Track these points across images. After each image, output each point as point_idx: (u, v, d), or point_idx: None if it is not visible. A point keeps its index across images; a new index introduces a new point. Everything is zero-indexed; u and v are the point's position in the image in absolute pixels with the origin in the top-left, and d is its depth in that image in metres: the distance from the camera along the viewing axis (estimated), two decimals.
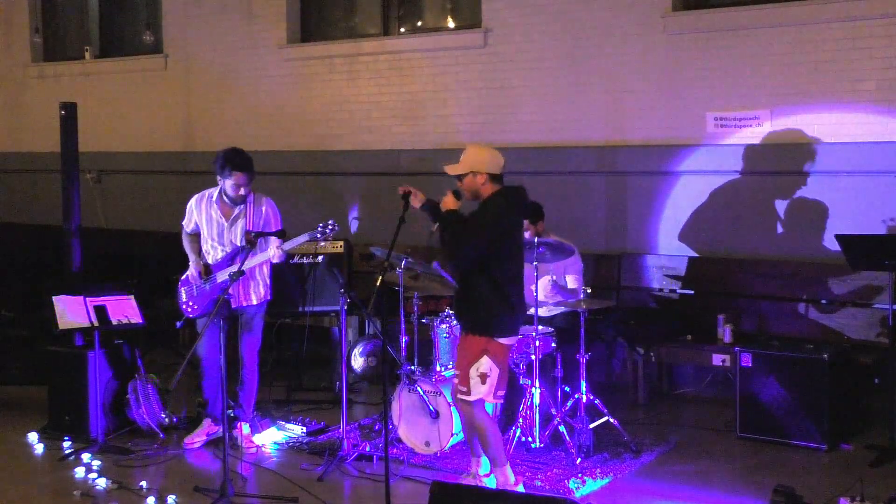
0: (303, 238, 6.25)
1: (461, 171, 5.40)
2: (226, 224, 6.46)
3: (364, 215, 9.56)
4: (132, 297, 6.78)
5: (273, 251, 6.27)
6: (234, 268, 6.07)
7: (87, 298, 6.58)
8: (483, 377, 5.31)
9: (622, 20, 8.06)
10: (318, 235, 6.24)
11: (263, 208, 6.50)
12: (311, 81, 9.80)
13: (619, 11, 8.06)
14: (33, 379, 7.91)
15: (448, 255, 5.41)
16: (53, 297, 6.54)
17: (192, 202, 6.60)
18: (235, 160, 6.34)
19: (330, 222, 6.21)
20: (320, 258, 7.80)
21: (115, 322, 6.60)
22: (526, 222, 6.72)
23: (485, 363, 5.31)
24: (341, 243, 7.90)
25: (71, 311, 6.53)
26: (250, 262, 6.23)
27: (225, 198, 6.47)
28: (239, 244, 6.38)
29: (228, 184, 6.36)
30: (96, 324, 6.50)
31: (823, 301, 7.23)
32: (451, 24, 9.30)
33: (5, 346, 8.46)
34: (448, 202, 5.41)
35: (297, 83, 9.89)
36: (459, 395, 5.43)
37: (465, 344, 5.42)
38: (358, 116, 9.53)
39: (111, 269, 9.64)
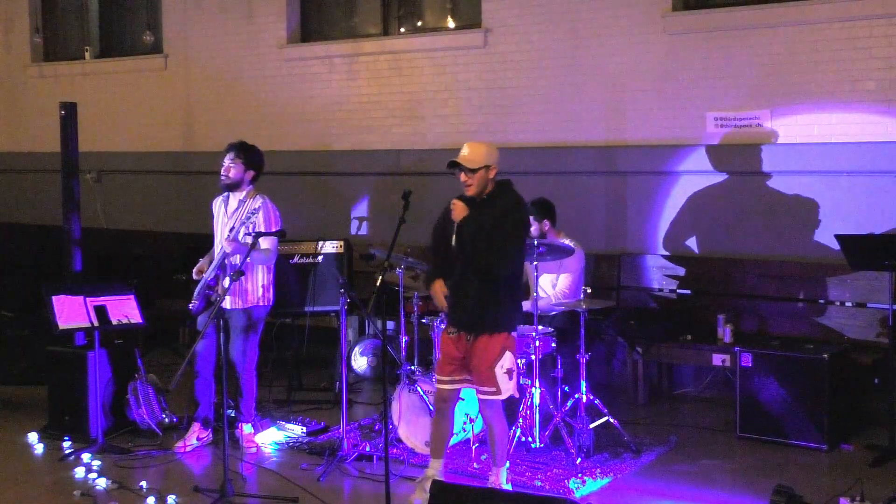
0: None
1: (479, 164, 5.22)
2: (227, 221, 6.52)
3: (364, 215, 9.56)
4: (132, 297, 6.78)
5: (226, 244, 6.27)
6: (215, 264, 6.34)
7: (87, 298, 6.58)
8: (510, 373, 5.30)
9: (622, 20, 8.05)
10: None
11: (255, 206, 6.51)
12: (311, 81, 9.80)
13: (619, 11, 8.05)
14: (33, 379, 7.92)
15: (481, 268, 5.20)
16: (53, 297, 6.53)
17: (212, 203, 6.75)
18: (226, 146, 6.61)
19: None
20: (320, 258, 7.80)
21: (115, 322, 6.60)
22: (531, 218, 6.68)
23: (508, 359, 5.29)
24: (341, 243, 7.89)
25: (71, 311, 6.53)
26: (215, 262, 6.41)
27: (229, 194, 6.59)
28: None
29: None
30: (96, 324, 6.51)
31: (823, 301, 7.23)
32: (451, 24, 9.30)
33: (5, 346, 8.46)
34: (461, 210, 5.27)
35: (297, 83, 9.88)
36: (486, 397, 5.32)
37: (482, 345, 5.29)
38: (358, 116, 9.52)
39: (111, 269, 9.64)
